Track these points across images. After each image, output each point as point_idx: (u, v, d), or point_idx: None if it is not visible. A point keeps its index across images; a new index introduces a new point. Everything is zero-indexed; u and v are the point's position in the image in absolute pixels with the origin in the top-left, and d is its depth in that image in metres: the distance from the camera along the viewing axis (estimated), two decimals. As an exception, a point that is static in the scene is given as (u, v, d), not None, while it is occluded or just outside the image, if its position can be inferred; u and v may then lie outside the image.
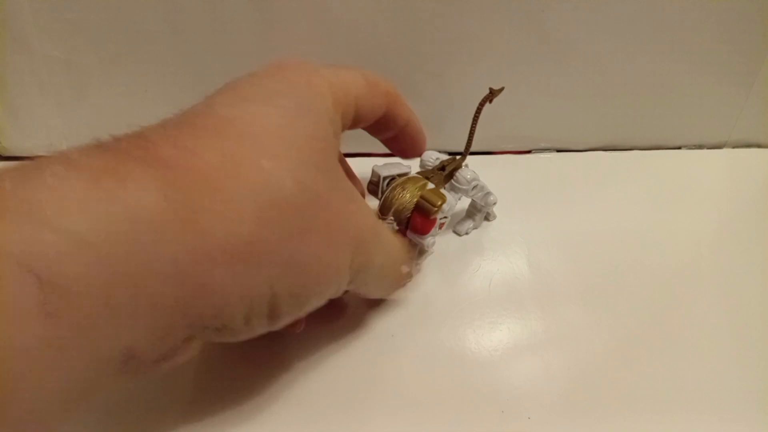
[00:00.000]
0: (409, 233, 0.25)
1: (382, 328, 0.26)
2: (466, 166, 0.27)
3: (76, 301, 0.12)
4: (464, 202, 0.29)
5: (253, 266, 0.15)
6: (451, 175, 0.27)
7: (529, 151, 0.36)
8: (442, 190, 0.25)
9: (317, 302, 0.19)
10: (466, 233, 0.30)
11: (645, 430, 0.22)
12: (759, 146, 0.36)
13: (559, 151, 0.36)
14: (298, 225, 0.16)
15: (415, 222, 0.25)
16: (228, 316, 0.16)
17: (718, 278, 0.28)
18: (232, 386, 0.23)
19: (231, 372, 0.24)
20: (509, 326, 0.26)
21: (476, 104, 0.25)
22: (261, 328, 0.17)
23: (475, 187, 0.27)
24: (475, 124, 0.26)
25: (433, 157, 0.28)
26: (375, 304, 0.26)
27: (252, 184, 0.15)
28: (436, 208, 0.24)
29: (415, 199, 0.24)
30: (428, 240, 0.25)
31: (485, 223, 0.31)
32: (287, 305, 0.17)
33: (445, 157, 0.28)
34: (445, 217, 0.25)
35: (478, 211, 0.30)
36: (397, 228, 0.25)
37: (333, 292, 0.19)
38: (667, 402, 0.23)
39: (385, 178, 0.26)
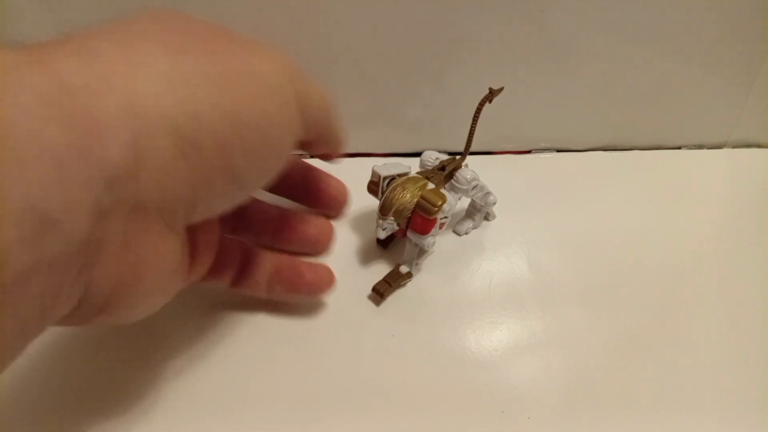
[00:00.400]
0: (409, 233, 0.25)
1: (382, 328, 0.26)
2: (466, 166, 0.27)
3: None
4: (464, 202, 0.29)
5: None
6: (451, 175, 0.27)
7: (529, 151, 0.36)
8: (442, 190, 0.25)
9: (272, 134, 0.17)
10: (466, 233, 0.30)
11: (645, 430, 0.22)
12: (759, 146, 0.36)
13: (559, 151, 0.36)
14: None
15: (416, 222, 0.25)
16: (139, 145, 0.14)
17: (718, 278, 0.28)
18: (231, 386, 0.23)
19: (230, 372, 0.24)
20: (509, 326, 0.26)
21: (476, 104, 0.25)
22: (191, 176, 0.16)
23: (475, 186, 0.27)
24: (475, 124, 0.26)
25: (432, 157, 0.28)
26: (375, 304, 0.26)
27: None
28: (436, 208, 0.24)
29: (416, 199, 0.24)
30: (428, 240, 0.25)
31: (485, 222, 0.31)
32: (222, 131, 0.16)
33: (445, 157, 0.28)
34: (446, 217, 0.25)
35: (478, 211, 0.30)
36: (398, 227, 0.25)
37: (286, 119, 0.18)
38: (666, 402, 0.23)
39: (385, 178, 0.26)
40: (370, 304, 0.26)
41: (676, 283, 0.28)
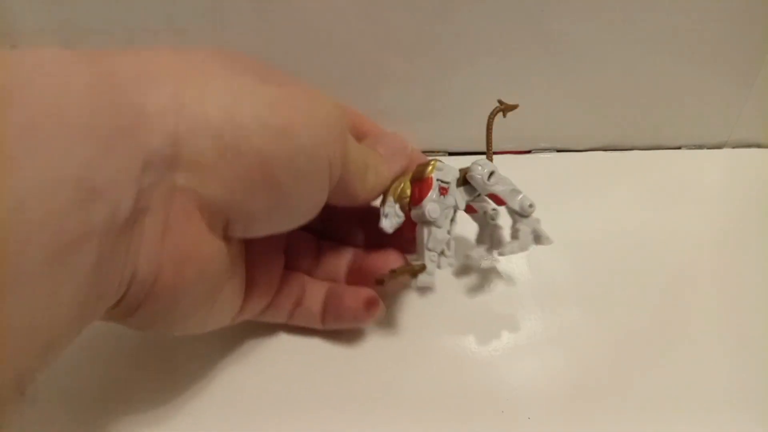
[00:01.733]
0: (412, 213, 0.23)
1: (382, 328, 0.26)
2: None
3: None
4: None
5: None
6: (465, 181, 0.24)
7: (529, 151, 0.36)
8: (458, 189, 0.23)
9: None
10: (513, 252, 0.24)
11: (645, 430, 0.22)
12: (759, 146, 0.36)
13: (559, 151, 0.36)
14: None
15: (414, 196, 0.22)
16: (181, 140, 0.15)
17: (718, 278, 0.28)
18: (231, 387, 0.23)
19: (230, 373, 0.24)
20: (509, 326, 0.26)
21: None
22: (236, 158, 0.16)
23: (492, 174, 0.23)
24: (490, 137, 0.24)
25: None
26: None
27: None
28: (430, 167, 0.22)
29: (409, 180, 0.23)
30: (428, 207, 0.22)
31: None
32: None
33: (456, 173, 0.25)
34: (447, 183, 0.23)
35: (518, 223, 0.24)
36: (402, 215, 0.23)
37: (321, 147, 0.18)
38: (667, 402, 0.23)
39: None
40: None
41: (676, 283, 0.28)
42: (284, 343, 0.25)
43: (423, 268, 0.22)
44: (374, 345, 0.25)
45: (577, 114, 0.34)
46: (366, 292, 0.23)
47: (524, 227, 0.24)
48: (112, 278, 0.15)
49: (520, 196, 0.24)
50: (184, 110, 0.15)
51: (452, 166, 0.23)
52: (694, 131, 0.36)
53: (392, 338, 0.25)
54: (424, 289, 0.23)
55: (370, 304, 0.23)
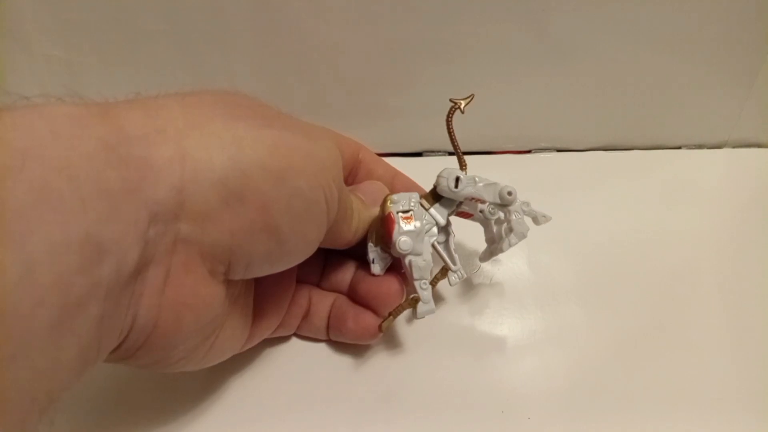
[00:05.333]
0: (392, 251, 0.23)
1: (382, 328, 0.26)
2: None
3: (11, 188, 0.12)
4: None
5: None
6: (439, 194, 0.24)
7: (529, 151, 0.36)
8: (432, 208, 0.24)
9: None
10: (509, 245, 0.24)
11: (645, 430, 0.22)
12: (759, 146, 0.36)
13: (559, 151, 0.36)
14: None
15: (383, 233, 0.23)
16: (186, 189, 0.16)
17: (718, 278, 0.28)
18: (231, 387, 0.24)
19: (229, 373, 0.24)
20: (509, 326, 0.26)
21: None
22: (244, 210, 0.17)
23: (458, 180, 0.23)
24: (453, 137, 0.24)
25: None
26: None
27: None
28: (387, 204, 0.23)
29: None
30: (398, 240, 0.22)
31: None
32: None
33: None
34: (409, 210, 0.23)
35: (505, 219, 0.24)
36: (388, 258, 0.24)
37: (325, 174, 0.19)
38: (666, 402, 0.23)
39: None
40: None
41: (676, 283, 0.28)
42: (283, 343, 0.25)
43: (417, 300, 0.23)
44: (374, 345, 0.25)
45: (577, 114, 0.34)
46: (367, 320, 0.24)
47: (514, 215, 0.24)
48: (115, 328, 0.15)
49: (497, 188, 0.24)
50: (188, 159, 0.16)
51: (406, 193, 0.24)
52: (694, 131, 0.36)
53: (392, 338, 0.25)
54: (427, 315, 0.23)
55: (370, 334, 0.24)
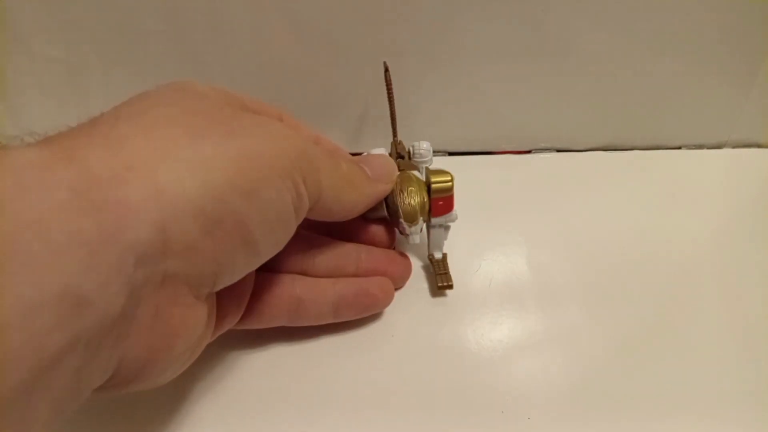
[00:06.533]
0: (435, 220, 0.26)
1: (382, 328, 0.26)
2: (400, 142, 0.29)
3: None
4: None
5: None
6: (402, 157, 0.28)
7: (529, 151, 0.36)
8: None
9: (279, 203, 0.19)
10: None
11: (645, 430, 0.22)
12: (759, 146, 0.36)
13: (559, 151, 0.36)
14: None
15: (438, 206, 0.25)
16: (167, 226, 0.15)
17: (718, 278, 0.28)
18: (231, 387, 0.23)
19: (230, 373, 0.24)
20: (509, 326, 0.26)
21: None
22: (231, 248, 0.17)
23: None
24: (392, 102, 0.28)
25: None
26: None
27: None
28: (452, 182, 0.25)
29: (424, 191, 0.25)
30: (455, 212, 0.26)
31: (485, 223, 0.30)
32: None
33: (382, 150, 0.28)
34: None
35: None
36: (425, 224, 0.26)
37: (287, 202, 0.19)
38: (667, 402, 0.23)
39: None
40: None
41: (676, 283, 0.28)
42: (283, 343, 0.25)
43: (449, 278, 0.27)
44: (375, 345, 0.25)
45: (577, 114, 0.34)
46: (382, 281, 0.25)
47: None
48: (96, 373, 0.15)
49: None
50: (163, 193, 0.15)
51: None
52: (694, 131, 0.36)
53: (392, 338, 0.25)
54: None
55: (389, 293, 0.25)
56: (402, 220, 0.25)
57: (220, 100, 0.20)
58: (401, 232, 0.26)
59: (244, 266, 0.19)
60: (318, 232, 0.26)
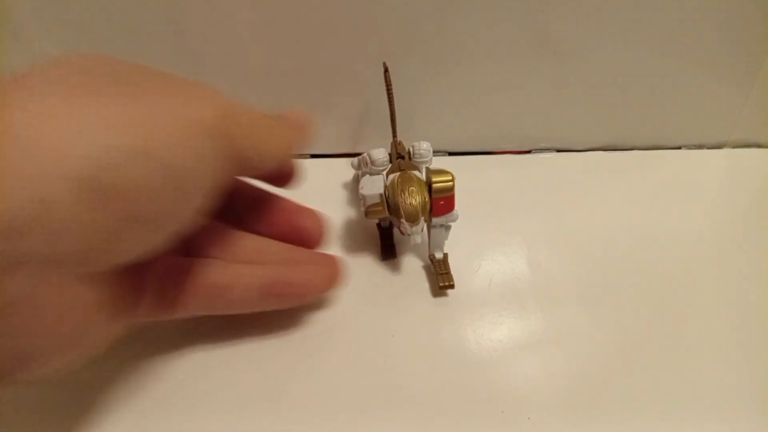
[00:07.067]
0: (436, 220, 0.26)
1: (382, 328, 0.26)
2: (400, 142, 0.29)
3: None
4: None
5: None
6: (403, 157, 0.28)
7: (529, 151, 0.36)
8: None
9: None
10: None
11: (645, 430, 0.22)
12: (759, 146, 0.36)
13: (559, 151, 0.36)
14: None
15: (439, 205, 0.25)
16: (42, 214, 0.14)
17: (718, 278, 0.28)
18: (231, 387, 0.23)
19: (227, 373, 0.24)
20: (509, 326, 0.26)
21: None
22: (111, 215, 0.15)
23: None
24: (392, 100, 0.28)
25: (380, 156, 0.28)
26: (374, 304, 0.26)
27: None
28: (452, 182, 0.25)
29: (425, 191, 0.25)
30: (456, 212, 0.26)
31: (485, 223, 0.30)
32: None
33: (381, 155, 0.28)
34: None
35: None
36: (426, 223, 0.26)
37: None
38: (667, 402, 0.23)
39: (381, 195, 0.26)
40: (370, 304, 0.26)
41: (675, 283, 0.28)
42: (282, 343, 0.25)
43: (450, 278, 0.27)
44: (374, 345, 0.25)
45: (577, 114, 0.34)
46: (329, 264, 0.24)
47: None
48: None
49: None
50: (41, 165, 0.14)
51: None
52: (694, 131, 0.36)
53: (392, 338, 0.25)
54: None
55: (333, 277, 0.24)
56: (403, 220, 0.25)
57: (139, 66, 0.18)
58: (402, 232, 0.26)
59: (142, 241, 0.17)
60: (242, 228, 0.24)
